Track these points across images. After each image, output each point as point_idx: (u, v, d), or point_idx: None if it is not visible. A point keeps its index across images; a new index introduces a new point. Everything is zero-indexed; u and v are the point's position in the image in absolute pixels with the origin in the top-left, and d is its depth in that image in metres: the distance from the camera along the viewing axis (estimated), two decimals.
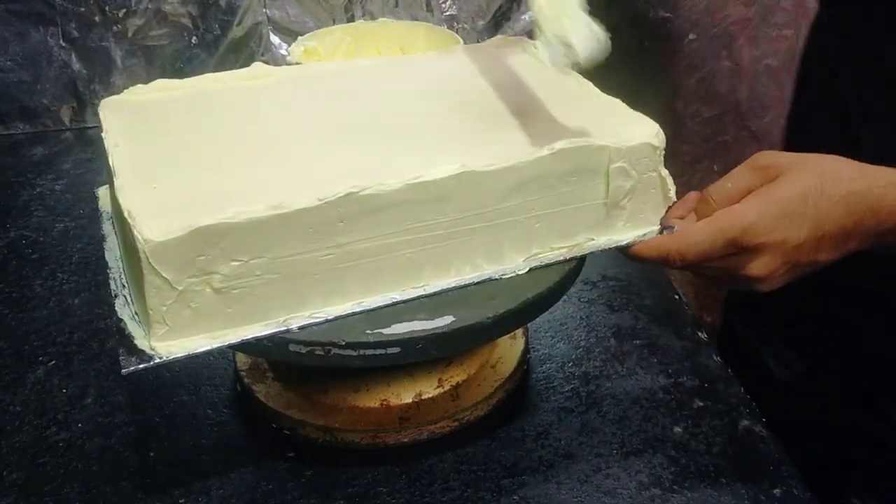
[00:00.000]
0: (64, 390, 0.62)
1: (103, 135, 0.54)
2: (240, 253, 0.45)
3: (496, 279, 0.52)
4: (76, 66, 1.02)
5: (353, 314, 0.49)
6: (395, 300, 0.50)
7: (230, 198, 0.46)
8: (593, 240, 0.54)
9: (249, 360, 0.61)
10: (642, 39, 1.12)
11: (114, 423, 0.59)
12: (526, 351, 0.63)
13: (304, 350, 0.48)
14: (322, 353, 0.48)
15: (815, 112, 0.71)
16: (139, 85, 0.60)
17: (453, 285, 0.51)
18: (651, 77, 1.15)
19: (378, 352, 0.48)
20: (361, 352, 0.48)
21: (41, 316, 0.70)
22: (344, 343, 0.47)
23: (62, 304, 0.72)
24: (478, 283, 0.51)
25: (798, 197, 0.49)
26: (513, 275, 0.52)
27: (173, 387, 0.62)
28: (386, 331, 0.48)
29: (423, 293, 0.50)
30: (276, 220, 0.45)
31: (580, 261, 0.54)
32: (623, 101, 0.58)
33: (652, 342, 0.66)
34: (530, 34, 1.09)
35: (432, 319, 0.48)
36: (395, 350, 0.48)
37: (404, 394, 0.58)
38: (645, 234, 0.55)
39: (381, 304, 0.49)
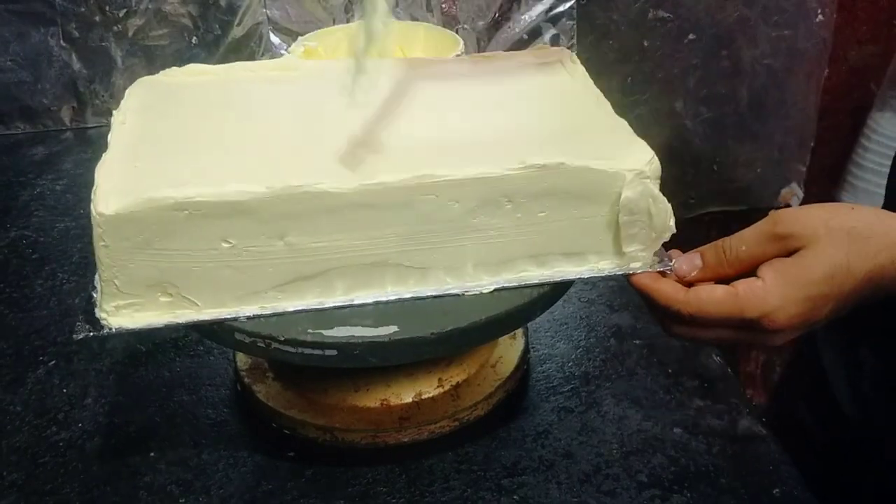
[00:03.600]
0: (64, 390, 0.62)
1: (115, 112, 0.55)
2: (189, 235, 0.46)
3: (458, 295, 0.51)
4: (76, 66, 1.02)
5: (304, 312, 0.49)
6: (345, 304, 0.50)
7: (194, 182, 0.46)
8: (571, 269, 0.52)
9: (250, 359, 0.61)
10: (642, 40, 1.12)
11: (114, 423, 0.59)
12: (526, 351, 0.63)
13: (247, 340, 0.49)
14: (263, 345, 0.48)
15: None
16: (174, 68, 0.60)
17: (410, 296, 0.50)
18: (650, 77, 1.15)
19: (316, 352, 0.48)
20: (300, 350, 0.48)
21: (41, 316, 0.70)
22: (283, 339, 0.48)
23: (63, 303, 0.72)
24: (437, 297, 0.50)
25: (823, 279, 0.47)
26: (476, 293, 0.51)
27: (174, 387, 0.62)
28: (326, 333, 0.48)
29: (379, 300, 0.50)
30: (223, 205, 0.46)
31: (553, 288, 0.52)
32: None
33: (652, 342, 0.66)
34: (531, 34, 1.10)
35: (375, 328, 0.48)
36: (333, 353, 0.48)
37: (404, 394, 0.58)
38: (633, 267, 0.52)
39: (332, 305, 0.50)
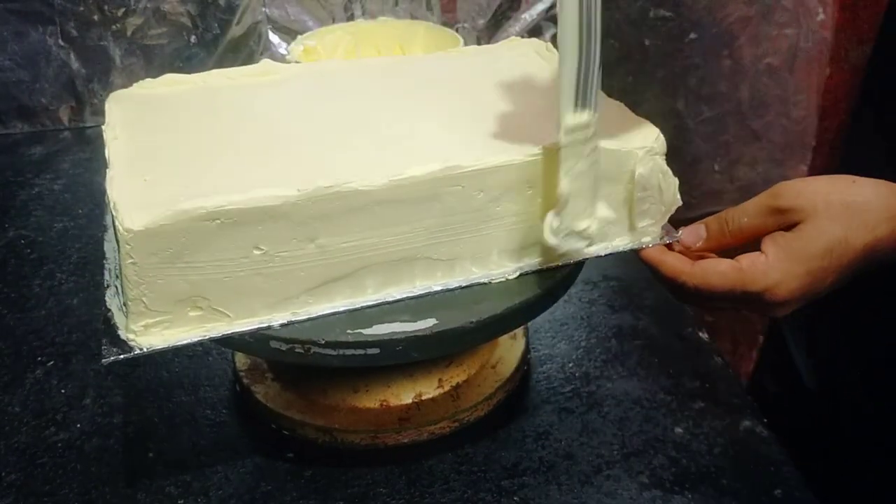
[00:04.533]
0: (63, 391, 0.62)
1: (104, 127, 0.54)
2: (221, 245, 0.45)
3: (485, 283, 0.51)
4: (75, 65, 1.02)
5: (336, 314, 0.49)
6: (379, 301, 0.50)
7: (219, 191, 0.46)
8: (587, 249, 0.53)
9: (249, 360, 0.61)
10: (642, 39, 1.12)
11: (112, 424, 0.59)
12: (526, 351, 0.63)
13: (284, 347, 0.48)
14: (302, 351, 0.48)
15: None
16: (148, 79, 0.60)
17: (440, 288, 0.51)
18: (651, 77, 1.15)
19: (357, 352, 0.48)
20: (341, 351, 0.48)
21: (40, 316, 0.70)
22: (323, 342, 0.47)
23: (61, 304, 0.72)
24: (465, 286, 0.51)
25: (822, 252, 0.48)
26: (502, 280, 0.52)
27: (172, 387, 0.62)
28: (366, 331, 0.48)
29: (410, 295, 0.50)
30: (256, 211, 0.45)
31: (574, 267, 0.53)
32: (623, 101, 0.57)
33: (652, 343, 0.66)
34: (531, 33, 1.09)
35: (414, 322, 0.48)
36: (375, 351, 0.48)
37: (404, 394, 0.57)
38: (644, 242, 0.54)
39: (364, 304, 0.49)
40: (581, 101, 0.47)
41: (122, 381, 0.62)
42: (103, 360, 0.46)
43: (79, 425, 0.59)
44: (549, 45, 0.65)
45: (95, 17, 1.00)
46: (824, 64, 1.19)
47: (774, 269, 0.48)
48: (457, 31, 1.03)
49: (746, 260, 0.49)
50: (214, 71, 0.61)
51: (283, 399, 0.58)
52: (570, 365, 0.64)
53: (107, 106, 0.57)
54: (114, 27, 1.01)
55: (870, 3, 1.17)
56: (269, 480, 0.54)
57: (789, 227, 0.49)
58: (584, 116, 0.47)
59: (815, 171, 1.26)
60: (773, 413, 0.61)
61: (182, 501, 0.53)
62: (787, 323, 0.77)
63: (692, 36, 1.14)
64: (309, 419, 0.56)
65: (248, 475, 0.54)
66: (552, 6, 1.08)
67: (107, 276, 0.51)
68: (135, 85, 0.59)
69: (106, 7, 1.00)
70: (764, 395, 0.78)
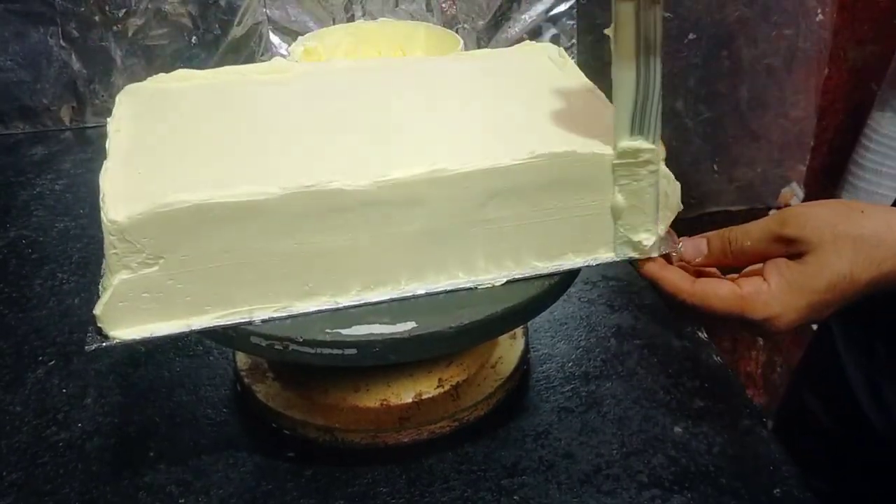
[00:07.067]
0: (64, 390, 0.62)
1: (109, 119, 0.54)
2: (203, 239, 0.46)
3: (471, 289, 0.51)
4: (76, 65, 1.02)
5: (318, 312, 0.49)
6: (361, 302, 0.50)
7: (206, 186, 0.46)
8: (582, 256, 0.53)
9: (250, 360, 0.61)
10: None
11: (114, 423, 0.59)
12: (526, 351, 0.63)
13: (264, 343, 0.48)
14: (280, 348, 0.48)
15: None
16: (161, 74, 0.60)
17: (423, 292, 0.50)
18: None
19: (335, 352, 0.48)
20: (318, 350, 0.48)
21: (41, 316, 0.70)
22: (301, 340, 0.47)
23: (62, 303, 0.72)
24: (450, 291, 0.51)
25: (826, 287, 0.47)
26: (488, 286, 0.51)
27: (173, 387, 0.62)
28: (344, 331, 0.48)
29: (393, 297, 0.50)
30: (237, 207, 0.45)
31: (563, 276, 0.53)
32: None
33: (652, 342, 0.66)
34: (531, 34, 1.10)
35: (394, 324, 0.48)
36: (352, 351, 0.48)
37: (404, 394, 0.58)
38: (643, 246, 0.53)
39: (347, 304, 0.49)
40: (637, 128, 0.49)
41: (123, 381, 0.63)
42: (86, 348, 0.46)
43: (80, 425, 0.59)
44: (562, 50, 0.64)
45: (96, 18, 1.01)
46: (823, 64, 1.20)
47: (776, 300, 0.48)
48: (457, 32, 1.03)
49: (748, 286, 0.48)
50: (226, 67, 0.62)
51: (283, 398, 0.58)
52: (570, 364, 0.64)
53: (118, 99, 0.57)
54: (115, 28, 1.01)
55: (869, 4, 1.17)
56: (270, 479, 0.54)
57: (794, 256, 0.48)
58: (637, 143, 0.49)
59: (813, 171, 1.26)
60: (809, 435, 0.59)
61: (183, 500, 0.53)
62: (844, 344, 0.74)
63: (691, 36, 1.15)
64: (309, 418, 0.57)
65: (248, 474, 0.55)
66: (552, 7, 1.09)
67: (103, 266, 0.51)
68: (148, 79, 0.60)
69: (107, 8, 1.00)
70: (802, 415, 0.76)
